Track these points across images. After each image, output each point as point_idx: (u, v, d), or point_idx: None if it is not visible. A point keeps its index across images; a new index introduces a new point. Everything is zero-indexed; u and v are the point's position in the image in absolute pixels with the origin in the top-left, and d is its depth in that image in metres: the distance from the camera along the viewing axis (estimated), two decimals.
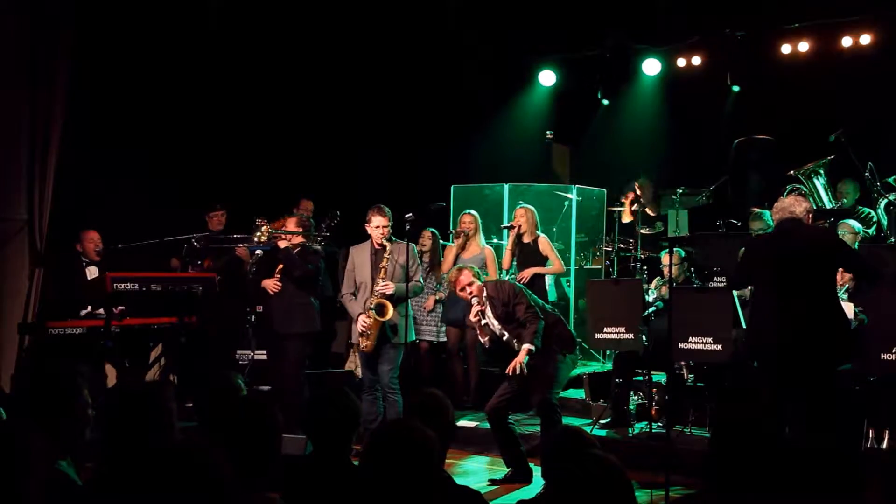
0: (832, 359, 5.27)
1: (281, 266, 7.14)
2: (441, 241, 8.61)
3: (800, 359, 5.14)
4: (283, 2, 9.32)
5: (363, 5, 9.57)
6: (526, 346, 6.06)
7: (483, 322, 6.32)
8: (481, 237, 8.23)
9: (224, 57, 9.18)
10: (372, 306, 6.66)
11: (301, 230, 7.10)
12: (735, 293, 6.61)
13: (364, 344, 6.70)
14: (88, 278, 7.71)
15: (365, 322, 6.67)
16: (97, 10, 7.89)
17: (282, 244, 7.09)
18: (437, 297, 8.23)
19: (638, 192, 9.41)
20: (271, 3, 9.30)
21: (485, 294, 6.29)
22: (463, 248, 8.21)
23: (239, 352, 8.47)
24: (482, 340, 6.41)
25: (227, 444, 2.92)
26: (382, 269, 6.72)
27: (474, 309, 6.26)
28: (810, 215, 5.51)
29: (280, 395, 6.95)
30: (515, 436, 6.37)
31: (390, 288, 6.67)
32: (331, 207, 8.93)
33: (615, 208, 9.40)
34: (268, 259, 7.65)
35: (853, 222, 7.30)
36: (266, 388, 7.59)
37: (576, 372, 8.64)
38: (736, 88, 9.94)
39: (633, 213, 9.23)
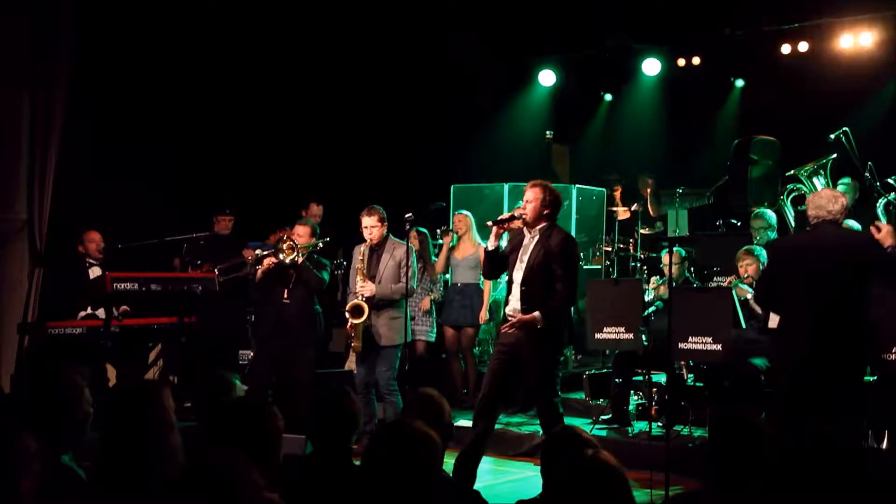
0: (860, 375, 5.23)
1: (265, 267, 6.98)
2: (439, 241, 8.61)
3: (828, 375, 5.10)
4: (285, 4, 9.32)
5: (363, 6, 9.57)
6: (538, 315, 5.40)
7: (509, 223, 5.71)
8: (475, 236, 8.20)
9: (226, 55, 9.18)
10: (347, 308, 6.69)
11: (313, 240, 7.01)
12: (735, 294, 6.60)
13: (353, 344, 6.77)
14: (91, 278, 7.71)
15: (349, 323, 6.73)
16: (97, 10, 7.89)
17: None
18: (432, 297, 8.24)
19: (645, 192, 9.42)
20: (273, 4, 9.30)
21: (541, 225, 5.60)
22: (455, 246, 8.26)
23: (239, 352, 8.48)
24: (490, 242, 5.71)
25: (227, 444, 2.92)
26: (360, 272, 6.72)
27: (517, 211, 5.70)
28: (845, 212, 5.27)
29: (282, 396, 6.95)
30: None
31: (367, 290, 6.67)
32: (332, 208, 8.95)
33: (615, 208, 9.41)
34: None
35: (852, 222, 7.29)
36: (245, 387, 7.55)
37: (576, 372, 8.69)
38: (740, 83, 9.95)
39: (632, 211, 9.24)
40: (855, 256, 5.12)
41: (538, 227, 5.60)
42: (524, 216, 5.61)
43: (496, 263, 5.79)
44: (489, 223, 5.69)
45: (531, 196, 5.61)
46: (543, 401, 5.61)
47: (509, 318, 5.65)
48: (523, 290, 5.55)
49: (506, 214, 5.77)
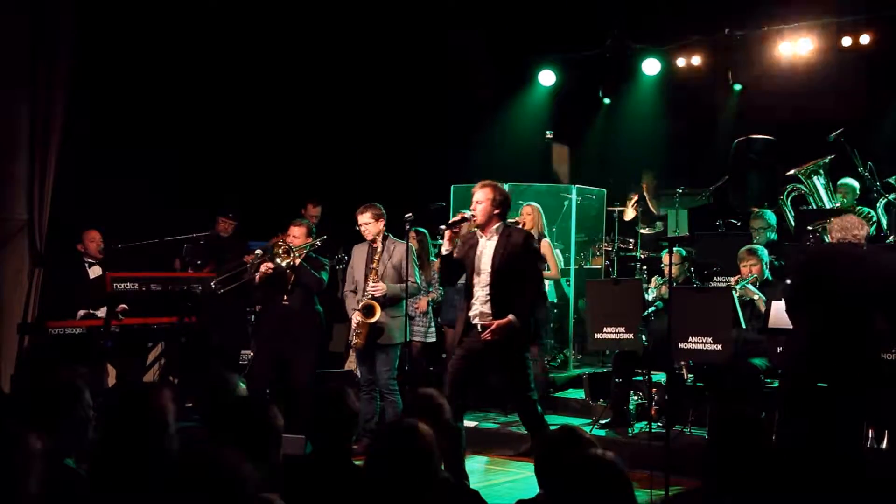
0: (862, 378, 5.23)
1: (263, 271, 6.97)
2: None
3: (830, 377, 5.10)
4: (285, 4, 9.32)
5: (363, 6, 9.57)
6: (514, 318, 5.37)
7: (460, 229, 5.63)
8: None
9: (226, 55, 9.18)
10: (359, 307, 6.69)
11: (310, 241, 7.00)
12: (735, 295, 6.60)
13: (355, 342, 6.78)
14: (91, 278, 7.71)
15: (356, 321, 6.71)
16: (97, 10, 7.90)
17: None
18: (430, 298, 8.21)
19: (644, 189, 9.42)
20: (273, 5, 9.30)
21: (495, 225, 5.56)
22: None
23: (240, 352, 8.48)
24: (444, 246, 5.57)
25: (227, 443, 2.93)
26: (373, 271, 6.73)
27: (466, 213, 5.58)
28: (867, 241, 5.41)
29: (282, 396, 6.94)
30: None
31: (379, 290, 6.68)
32: (332, 209, 8.94)
33: (615, 208, 9.41)
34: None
35: None
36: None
37: (576, 372, 8.69)
38: (738, 87, 9.96)
39: (635, 209, 9.23)
40: (869, 280, 5.15)
41: (492, 228, 5.53)
42: (475, 218, 5.52)
43: (453, 268, 5.68)
44: (441, 227, 5.59)
45: (481, 197, 5.52)
46: (523, 399, 5.55)
47: (474, 324, 5.53)
48: (491, 294, 5.46)
49: (456, 217, 5.63)
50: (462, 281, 5.86)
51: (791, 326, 5.69)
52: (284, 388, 7.07)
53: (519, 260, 5.46)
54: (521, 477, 6.56)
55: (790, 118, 9.14)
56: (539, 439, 5.58)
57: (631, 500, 2.51)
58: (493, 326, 5.38)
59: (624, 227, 9.43)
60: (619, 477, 2.47)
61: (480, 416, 7.88)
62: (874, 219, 8.02)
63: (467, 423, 7.54)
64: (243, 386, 3.86)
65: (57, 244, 7.63)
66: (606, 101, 10.93)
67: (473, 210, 5.54)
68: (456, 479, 5.03)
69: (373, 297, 6.71)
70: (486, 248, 5.53)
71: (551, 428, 5.54)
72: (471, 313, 5.56)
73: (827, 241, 5.54)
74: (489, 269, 5.48)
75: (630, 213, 9.40)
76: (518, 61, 10.75)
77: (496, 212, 5.53)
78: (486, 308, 5.48)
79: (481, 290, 5.51)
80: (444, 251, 5.58)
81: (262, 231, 8.65)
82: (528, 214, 8.00)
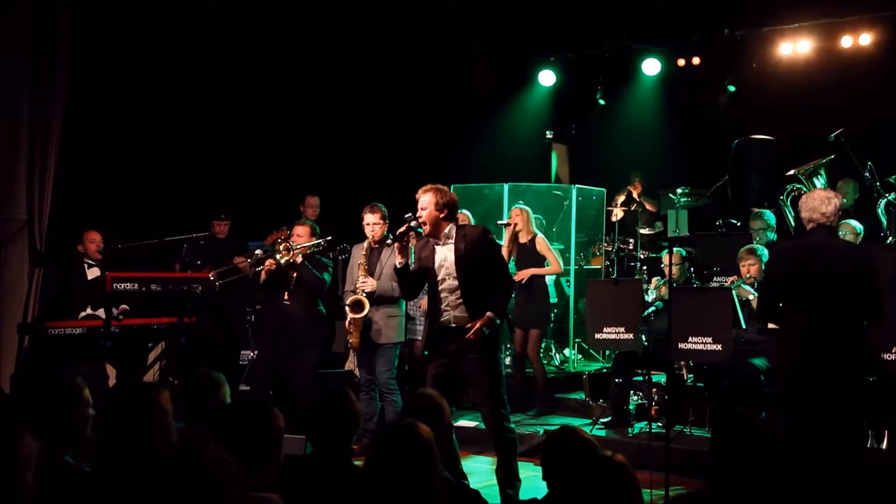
0: (856, 384, 5.18)
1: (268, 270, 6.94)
2: None
3: (824, 384, 5.08)
4: (285, 3, 9.32)
5: (363, 6, 9.57)
6: (490, 315, 5.23)
7: (408, 239, 5.41)
8: None
9: (225, 56, 9.19)
10: (348, 302, 6.71)
11: (313, 241, 7.01)
12: (734, 293, 6.61)
13: (350, 340, 6.80)
14: (90, 279, 7.71)
15: (349, 318, 6.74)
16: (97, 10, 7.91)
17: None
18: None
19: (633, 191, 9.43)
20: (273, 4, 9.30)
21: (446, 228, 5.38)
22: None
23: (240, 352, 8.48)
24: (397, 260, 5.42)
25: (227, 444, 2.93)
26: (362, 267, 6.75)
27: (413, 223, 5.33)
28: (839, 213, 5.18)
29: (282, 397, 6.94)
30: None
31: (369, 286, 6.69)
32: (332, 209, 8.94)
33: (614, 208, 9.42)
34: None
35: (854, 223, 7.31)
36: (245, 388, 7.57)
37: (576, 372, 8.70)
38: (732, 88, 9.96)
39: (632, 210, 9.23)
40: (851, 274, 5.08)
41: (444, 231, 5.38)
42: (423, 224, 5.35)
43: (411, 281, 5.56)
44: (388, 240, 5.47)
45: (424, 202, 5.35)
46: (495, 399, 5.37)
47: (448, 327, 5.40)
48: (464, 297, 5.34)
49: (402, 228, 5.37)
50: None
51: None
52: (285, 389, 7.06)
53: (483, 257, 5.35)
54: (521, 477, 6.55)
55: (790, 118, 9.14)
56: (501, 438, 5.52)
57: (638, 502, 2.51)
58: (476, 326, 5.25)
59: (624, 227, 9.44)
60: (628, 479, 2.47)
61: (479, 415, 7.87)
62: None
63: (467, 423, 7.57)
64: (224, 381, 3.81)
65: (57, 244, 7.63)
66: (602, 102, 10.94)
67: (419, 216, 5.38)
68: (456, 480, 5.03)
69: (363, 293, 6.73)
70: (445, 252, 5.40)
71: (551, 428, 5.55)
72: (442, 319, 5.43)
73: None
74: (455, 272, 5.35)
75: (618, 213, 9.40)
76: (518, 61, 10.75)
77: (442, 215, 5.36)
78: (460, 311, 5.37)
79: (451, 294, 5.40)
80: (397, 264, 5.45)
81: (262, 230, 8.67)
82: (518, 216, 7.98)
